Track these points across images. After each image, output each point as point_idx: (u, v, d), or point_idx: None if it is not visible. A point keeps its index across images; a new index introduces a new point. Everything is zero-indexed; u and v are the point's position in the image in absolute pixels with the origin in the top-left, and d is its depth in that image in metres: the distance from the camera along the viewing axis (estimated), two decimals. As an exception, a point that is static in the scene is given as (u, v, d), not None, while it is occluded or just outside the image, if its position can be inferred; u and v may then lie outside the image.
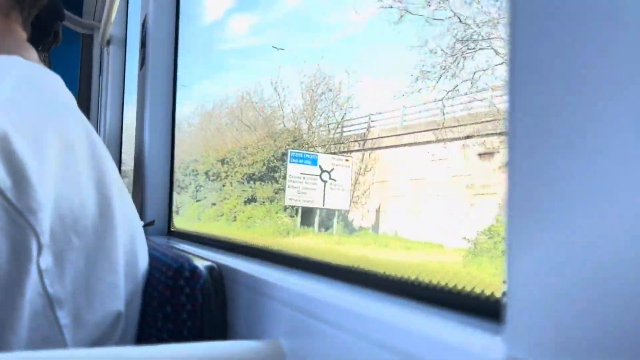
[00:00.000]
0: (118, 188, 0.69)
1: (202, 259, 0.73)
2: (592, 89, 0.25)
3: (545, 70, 0.27)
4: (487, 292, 0.37)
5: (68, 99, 0.73)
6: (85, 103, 2.98)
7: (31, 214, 0.55)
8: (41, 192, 0.56)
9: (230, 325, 0.66)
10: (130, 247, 0.71)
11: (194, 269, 0.67)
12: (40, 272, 0.57)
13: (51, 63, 1.16)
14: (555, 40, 0.26)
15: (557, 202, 0.26)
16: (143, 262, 0.74)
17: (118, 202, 0.67)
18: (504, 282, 0.29)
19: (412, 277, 0.47)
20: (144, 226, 1.34)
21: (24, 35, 0.83)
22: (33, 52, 0.81)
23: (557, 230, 0.26)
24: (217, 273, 0.68)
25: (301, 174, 8.36)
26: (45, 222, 0.57)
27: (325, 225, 8.42)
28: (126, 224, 0.70)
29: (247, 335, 0.61)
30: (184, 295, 0.65)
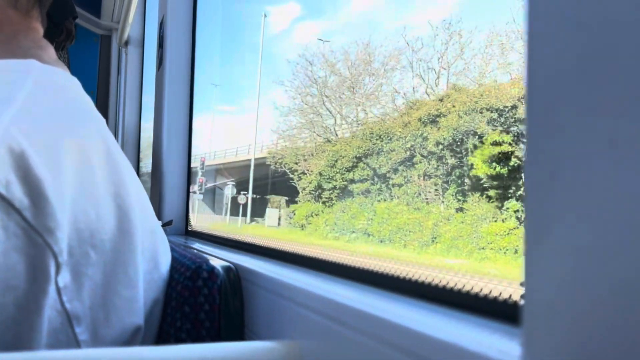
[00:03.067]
0: (136, 196, 0.68)
1: (220, 259, 0.73)
2: (609, 91, 0.24)
3: (563, 73, 0.27)
4: (505, 296, 0.37)
5: (85, 103, 0.72)
6: (103, 104, 3.01)
7: (49, 234, 0.55)
8: (58, 209, 0.56)
9: (247, 326, 0.67)
10: (151, 254, 0.70)
11: (212, 270, 0.67)
12: (58, 289, 0.57)
13: (70, 64, 1.16)
14: (571, 42, 0.26)
15: (576, 204, 0.26)
16: (165, 268, 0.74)
17: (137, 212, 0.66)
18: (522, 284, 0.28)
19: (430, 279, 0.47)
20: (162, 226, 1.35)
21: (41, 31, 0.82)
22: (50, 50, 0.81)
23: (576, 233, 0.26)
24: (235, 274, 0.69)
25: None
26: (62, 240, 0.56)
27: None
28: (146, 233, 0.69)
29: (264, 336, 0.62)
30: (202, 295, 0.66)
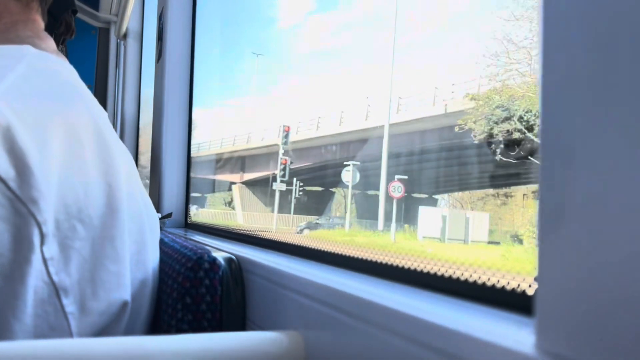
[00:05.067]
0: (127, 178, 0.69)
1: (221, 250, 0.73)
2: (625, 78, 0.24)
3: (576, 81, 0.26)
4: (515, 285, 0.36)
5: (78, 87, 0.73)
6: (101, 96, 3.00)
7: (33, 204, 0.56)
8: (43, 181, 0.57)
9: (249, 317, 0.66)
10: (139, 236, 0.71)
11: (213, 261, 0.67)
12: (44, 260, 0.58)
13: (68, 56, 1.16)
14: (587, 28, 0.26)
15: (589, 194, 0.25)
16: (153, 252, 0.75)
17: (125, 191, 0.67)
18: (535, 276, 0.28)
19: (436, 270, 0.46)
20: (162, 219, 1.35)
21: (42, 24, 0.83)
22: (50, 41, 0.82)
23: (587, 225, 0.26)
24: (236, 265, 0.68)
25: None
26: (47, 211, 0.57)
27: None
28: (135, 214, 0.70)
29: (266, 327, 0.61)
30: (203, 286, 0.65)
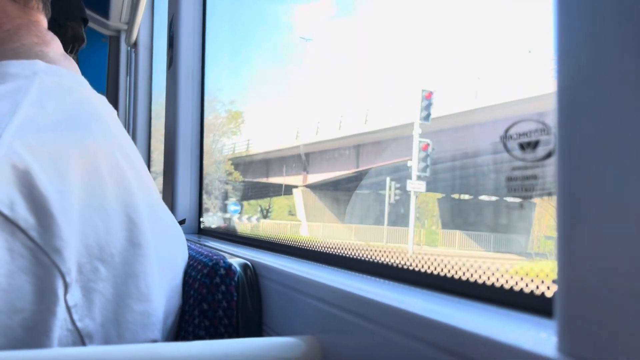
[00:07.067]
0: (147, 202, 0.65)
1: (236, 256, 0.73)
2: (635, 99, 0.24)
3: (592, 78, 0.26)
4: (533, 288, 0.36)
5: (92, 105, 0.68)
6: (113, 104, 3.01)
7: (56, 253, 0.53)
8: (65, 228, 0.54)
9: (266, 322, 0.66)
10: (170, 261, 0.68)
11: (229, 267, 0.67)
12: (68, 308, 0.55)
13: (79, 65, 1.16)
14: (601, 47, 0.26)
15: (608, 197, 0.25)
16: (181, 271, 0.72)
17: (147, 219, 0.63)
18: (554, 280, 0.28)
19: (454, 273, 0.46)
20: None
21: (45, 23, 0.78)
22: (56, 44, 0.76)
23: (607, 225, 0.25)
24: (252, 270, 0.69)
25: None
26: (70, 260, 0.54)
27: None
28: (159, 240, 0.66)
29: (282, 332, 0.61)
30: (219, 292, 0.65)
